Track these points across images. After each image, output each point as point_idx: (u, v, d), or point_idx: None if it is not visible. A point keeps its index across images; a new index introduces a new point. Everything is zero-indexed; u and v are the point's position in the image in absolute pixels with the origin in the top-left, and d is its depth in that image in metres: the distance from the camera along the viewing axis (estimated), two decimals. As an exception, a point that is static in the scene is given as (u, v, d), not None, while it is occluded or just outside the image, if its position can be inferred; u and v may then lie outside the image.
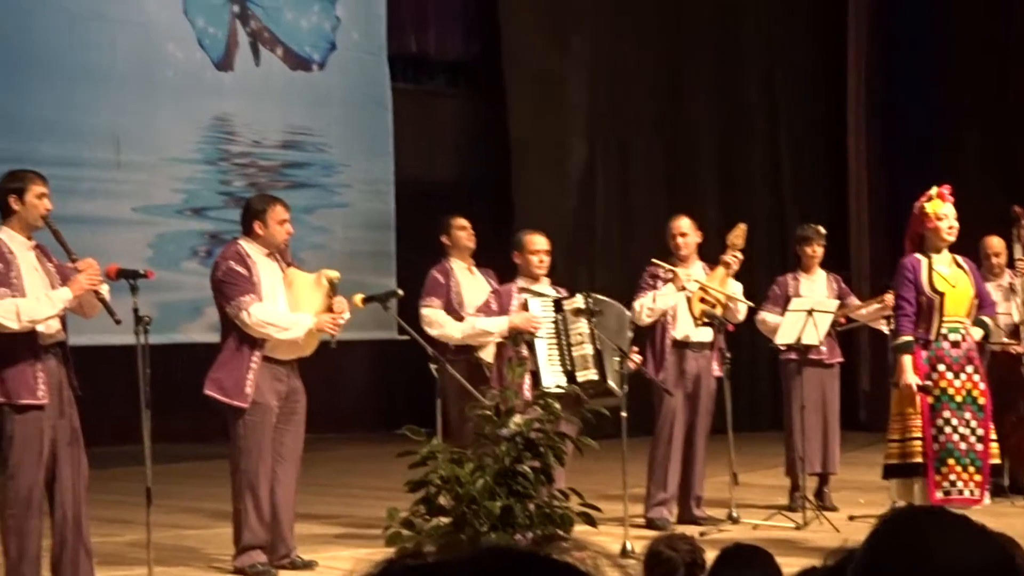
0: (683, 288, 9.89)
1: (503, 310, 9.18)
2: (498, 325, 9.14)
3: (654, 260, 10.20)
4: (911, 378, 8.37)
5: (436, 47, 16.57)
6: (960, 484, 8.38)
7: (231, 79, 14.74)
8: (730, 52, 17.07)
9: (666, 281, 9.95)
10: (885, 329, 10.66)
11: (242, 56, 14.79)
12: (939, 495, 8.32)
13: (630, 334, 9.47)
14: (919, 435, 8.39)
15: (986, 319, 8.76)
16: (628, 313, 9.57)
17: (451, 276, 9.81)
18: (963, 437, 8.39)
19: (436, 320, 9.60)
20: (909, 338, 8.39)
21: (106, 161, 13.84)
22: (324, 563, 8.58)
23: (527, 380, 8.80)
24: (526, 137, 15.80)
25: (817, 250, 10.72)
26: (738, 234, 10.09)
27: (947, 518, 2.04)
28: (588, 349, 9.19)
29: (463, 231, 9.94)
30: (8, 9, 13.40)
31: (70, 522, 7.60)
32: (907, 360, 8.37)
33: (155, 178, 14.16)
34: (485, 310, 9.27)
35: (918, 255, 8.53)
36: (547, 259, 9.47)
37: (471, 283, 9.81)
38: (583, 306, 9.23)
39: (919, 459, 8.38)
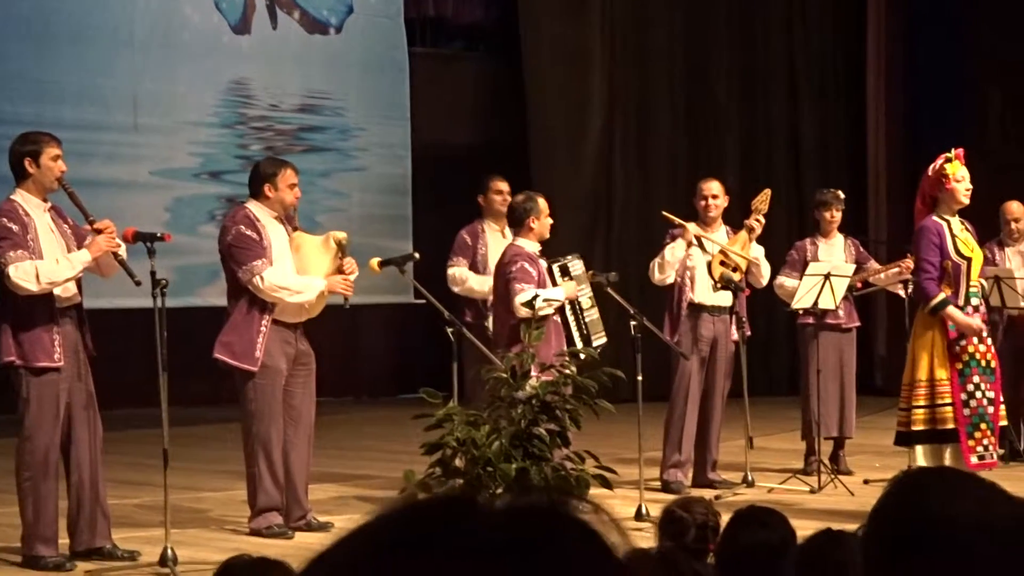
0: (693, 242, 9.87)
1: (541, 276, 9.08)
2: (557, 295, 9.06)
3: (664, 212, 10.21)
4: (975, 321, 8.36)
5: (454, 10, 16.52)
6: (992, 448, 8.39)
7: (248, 43, 14.73)
8: (751, 16, 16.99)
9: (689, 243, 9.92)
10: (902, 293, 10.66)
11: (259, 19, 14.77)
12: (974, 460, 8.30)
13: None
14: (950, 401, 8.35)
15: (981, 280, 8.81)
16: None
17: (479, 238, 9.82)
18: (991, 401, 8.39)
19: (458, 277, 9.65)
20: (943, 295, 8.35)
21: (124, 125, 13.85)
22: (340, 525, 8.60)
23: (563, 344, 8.78)
24: (544, 101, 15.75)
25: (835, 215, 10.69)
26: (763, 199, 10.12)
27: (959, 477, 2.04)
28: (596, 313, 9.20)
29: (498, 195, 9.94)
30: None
31: (87, 484, 7.64)
32: (954, 311, 8.33)
33: (172, 142, 14.17)
34: (528, 278, 8.98)
35: (936, 218, 8.50)
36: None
37: (501, 247, 9.73)
38: (585, 270, 9.22)
39: (951, 425, 8.36)
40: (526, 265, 9.07)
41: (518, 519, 1.25)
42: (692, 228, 9.91)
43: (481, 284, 9.57)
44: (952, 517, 1.91)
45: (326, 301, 8.44)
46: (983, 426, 8.36)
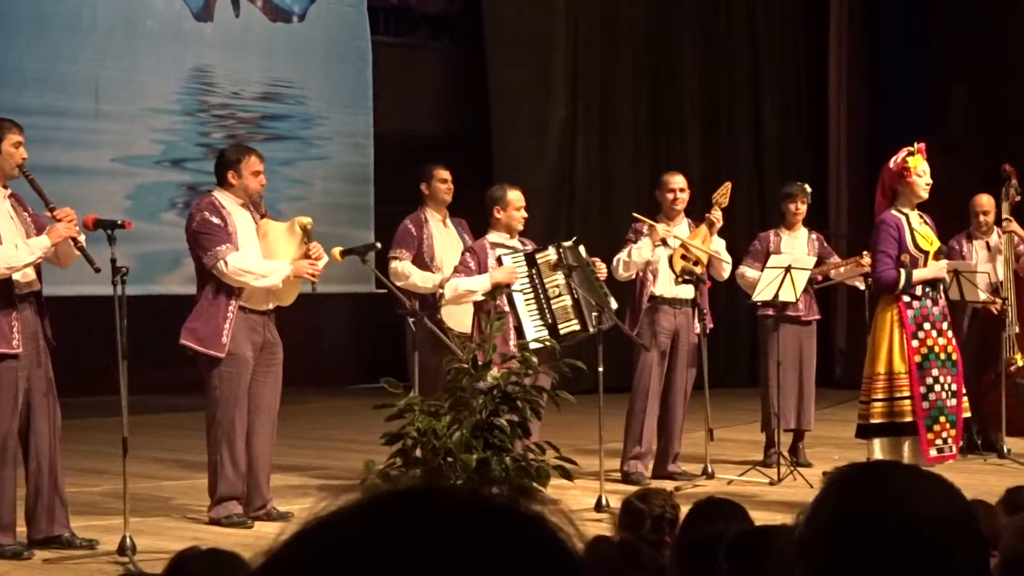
0: (660, 243, 9.90)
1: (482, 268, 9.13)
2: (481, 284, 9.07)
3: (635, 214, 10.22)
4: (939, 265, 8.41)
5: (417, -1, 16.51)
6: (950, 442, 8.43)
7: (211, 30, 14.67)
8: (715, 8, 17.03)
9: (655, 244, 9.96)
10: (861, 286, 10.73)
11: (222, 7, 14.71)
12: (933, 453, 8.34)
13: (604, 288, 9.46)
14: (908, 394, 8.39)
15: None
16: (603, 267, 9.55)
17: (424, 227, 9.79)
18: (949, 395, 8.43)
19: (402, 271, 9.59)
20: (903, 272, 8.38)
21: (85, 111, 13.78)
22: (300, 515, 8.56)
23: (512, 335, 8.81)
24: (506, 90, 15.75)
25: (801, 207, 10.72)
26: (723, 192, 10.15)
27: (901, 469, 2.04)
28: (567, 300, 9.16)
29: (443, 184, 9.91)
30: (-14, -43, 13.31)
31: (45, 472, 7.61)
32: (919, 271, 8.38)
33: (134, 128, 14.10)
34: (464, 270, 9.11)
35: (895, 212, 8.54)
36: (525, 215, 9.44)
37: (443, 235, 9.79)
38: (557, 258, 9.20)
39: (909, 418, 8.39)
40: (467, 256, 9.16)
41: (475, 512, 1.25)
42: (661, 229, 9.92)
43: (425, 280, 9.50)
44: (892, 513, 1.92)
45: (298, 290, 8.43)
46: (942, 419, 8.40)
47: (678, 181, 10.16)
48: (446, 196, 9.89)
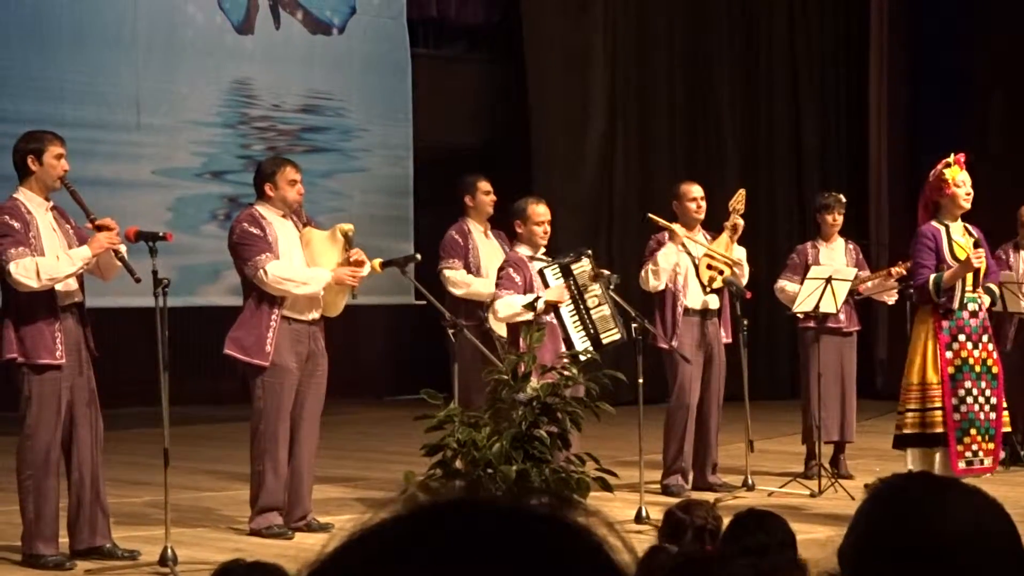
0: (683, 245, 9.90)
1: (527, 281, 9.10)
2: (536, 302, 9.05)
3: (650, 215, 10.22)
4: (967, 261, 8.36)
5: (456, 12, 16.51)
6: (981, 454, 8.39)
7: (251, 42, 14.73)
8: (753, 18, 17.00)
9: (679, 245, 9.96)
10: (890, 301, 10.73)
11: (262, 19, 14.77)
12: (962, 465, 8.32)
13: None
14: (940, 405, 8.37)
15: (992, 286, 8.75)
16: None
17: (468, 237, 9.81)
18: (982, 407, 8.39)
19: (461, 280, 9.62)
20: (932, 275, 8.36)
21: (126, 124, 13.84)
22: (340, 526, 8.59)
23: (561, 345, 8.81)
24: (545, 103, 15.75)
25: (837, 218, 10.70)
26: (739, 199, 10.17)
27: (940, 483, 2.03)
28: (606, 310, 9.14)
29: (487, 195, 9.93)
30: (29, -29, 13.40)
31: (87, 483, 7.64)
32: (948, 273, 8.34)
33: (175, 141, 14.17)
34: (512, 286, 9.04)
35: (935, 223, 8.51)
36: (549, 229, 9.37)
37: (487, 246, 9.82)
38: (591, 269, 9.19)
39: (940, 429, 8.36)
40: (511, 271, 9.10)
41: (518, 523, 1.25)
42: (679, 230, 9.94)
43: (487, 286, 9.51)
44: (938, 527, 1.91)
45: (345, 299, 8.46)
46: (972, 431, 8.37)
47: (697, 190, 10.15)
48: (489, 208, 9.91)
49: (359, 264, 8.33)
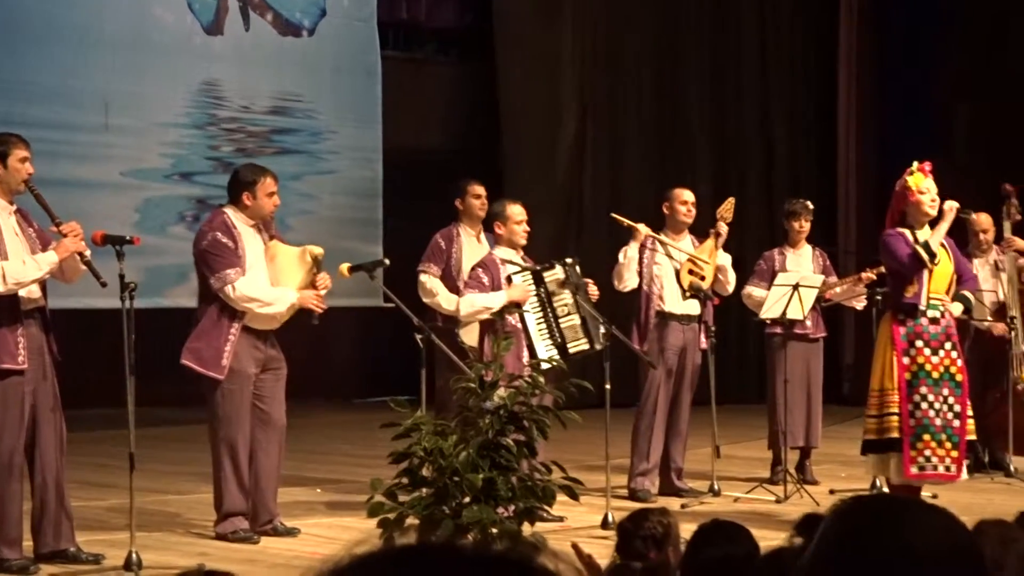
0: (643, 243, 9.92)
1: (495, 283, 9.13)
2: (497, 300, 9.09)
3: (613, 215, 10.25)
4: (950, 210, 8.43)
5: (427, 14, 16.52)
6: (935, 460, 8.42)
7: (220, 44, 14.69)
8: (723, 23, 17.04)
9: (652, 251, 9.98)
10: (858, 307, 10.76)
11: (232, 21, 14.74)
12: (914, 470, 8.38)
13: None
14: (896, 411, 8.43)
15: (967, 294, 8.77)
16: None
17: (454, 242, 9.79)
18: (939, 413, 8.43)
19: (431, 288, 9.61)
20: (916, 247, 8.42)
21: (95, 125, 13.80)
22: (307, 530, 8.59)
23: (524, 353, 8.83)
24: (516, 106, 15.75)
25: (804, 225, 10.74)
26: (727, 207, 10.17)
27: (901, 504, 2.04)
28: (575, 319, 9.17)
29: (477, 199, 9.91)
30: (-3, -30, 13.34)
31: (51, 486, 7.61)
32: (934, 233, 8.41)
33: (143, 142, 14.13)
34: (478, 285, 9.13)
35: (901, 228, 8.55)
36: (528, 228, 9.45)
37: (475, 251, 9.73)
38: (564, 277, 9.21)
39: (895, 434, 8.43)
40: (480, 271, 9.16)
41: (488, 571, 1.25)
42: (643, 229, 9.96)
43: (449, 303, 9.51)
44: (898, 546, 1.91)
45: (295, 310, 8.42)
46: (926, 436, 8.41)
47: (688, 195, 10.17)
48: (479, 212, 9.87)
49: (325, 288, 8.31)
